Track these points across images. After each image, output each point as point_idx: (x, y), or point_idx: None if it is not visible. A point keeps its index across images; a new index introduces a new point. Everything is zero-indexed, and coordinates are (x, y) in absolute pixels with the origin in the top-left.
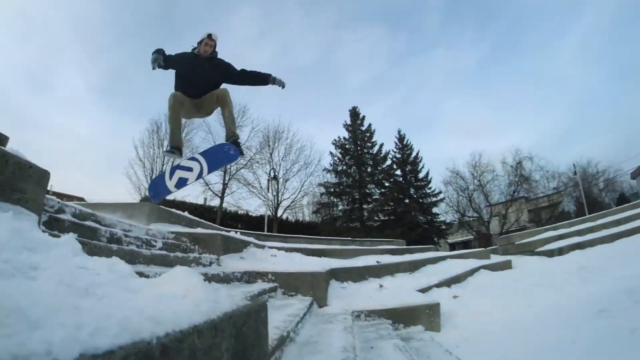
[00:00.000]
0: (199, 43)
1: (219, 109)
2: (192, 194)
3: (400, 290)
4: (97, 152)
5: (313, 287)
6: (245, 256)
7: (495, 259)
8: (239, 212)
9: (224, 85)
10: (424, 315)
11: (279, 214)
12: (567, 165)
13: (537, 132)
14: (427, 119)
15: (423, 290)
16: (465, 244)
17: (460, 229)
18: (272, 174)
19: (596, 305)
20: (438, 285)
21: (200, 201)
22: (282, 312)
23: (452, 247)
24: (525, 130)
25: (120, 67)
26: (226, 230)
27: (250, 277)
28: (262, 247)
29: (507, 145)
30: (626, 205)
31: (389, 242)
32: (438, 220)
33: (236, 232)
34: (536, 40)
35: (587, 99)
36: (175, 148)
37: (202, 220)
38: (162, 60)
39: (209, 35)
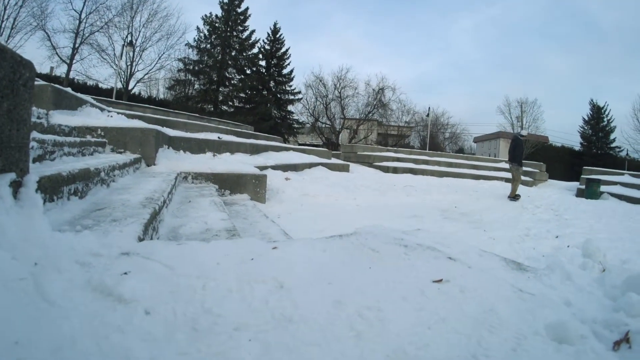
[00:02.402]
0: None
1: None
2: (36, 59)
3: (234, 162)
4: None
5: (142, 145)
6: (79, 114)
7: (335, 160)
8: (88, 84)
9: None
10: (251, 185)
11: (130, 87)
12: (424, 108)
13: (408, 72)
14: (309, 23)
15: (258, 168)
16: (314, 147)
17: (312, 132)
18: (128, 39)
19: (412, 212)
20: (274, 168)
21: (45, 70)
22: (101, 160)
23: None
24: (397, 65)
25: None
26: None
27: (79, 132)
28: (102, 109)
29: (375, 72)
30: (462, 154)
31: (237, 125)
32: (292, 118)
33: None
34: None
35: (462, 67)
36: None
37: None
38: None
39: None
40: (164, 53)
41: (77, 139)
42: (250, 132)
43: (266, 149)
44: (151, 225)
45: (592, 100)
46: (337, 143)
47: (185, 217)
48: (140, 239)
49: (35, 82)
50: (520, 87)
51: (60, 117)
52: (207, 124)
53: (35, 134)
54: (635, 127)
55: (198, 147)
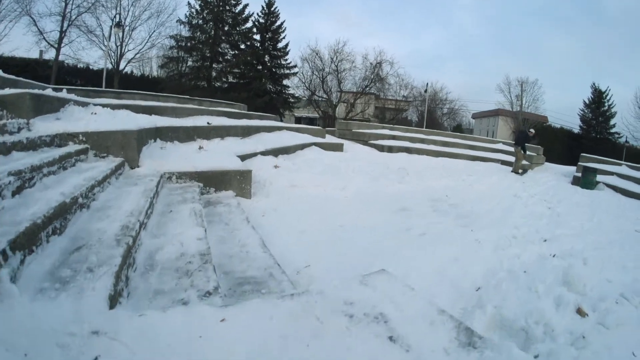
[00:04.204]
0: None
1: None
2: (23, 46)
3: (220, 154)
4: None
5: (124, 148)
6: (62, 116)
7: (329, 139)
8: (79, 66)
9: None
10: (235, 181)
11: (121, 67)
12: (422, 83)
13: (407, 47)
14: None
15: (246, 157)
16: (311, 120)
17: (308, 105)
18: (116, 20)
19: (401, 204)
20: (264, 153)
21: (35, 54)
22: (81, 176)
23: (298, 120)
24: (395, 39)
25: None
26: (42, 88)
27: (61, 139)
28: (86, 104)
29: (373, 45)
30: (459, 134)
31: (229, 104)
32: (287, 92)
33: (65, 89)
34: None
35: (460, 41)
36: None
37: (20, 79)
38: None
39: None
40: (154, 31)
41: (57, 155)
42: (242, 112)
43: (258, 130)
44: (124, 268)
45: (594, 83)
46: (334, 116)
47: (163, 235)
48: (112, 297)
49: (13, 91)
50: (520, 65)
51: (41, 125)
52: (197, 106)
53: (11, 166)
54: (636, 114)
55: (187, 135)
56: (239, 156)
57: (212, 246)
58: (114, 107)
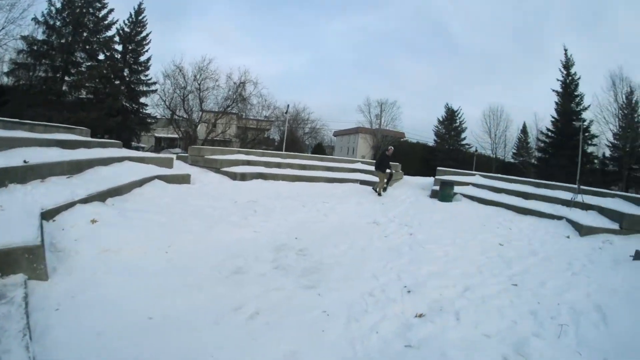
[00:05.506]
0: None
1: None
2: None
3: (17, 216)
4: None
5: None
6: None
7: (178, 168)
8: None
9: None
10: (25, 261)
11: None
12: (285, 103)
13: (275, 67)
14: (185, 9)
15: (61, 209)
16: (172, 140)
17: (169, 125)
18: None
19: (236, 261)
20: (87, 200)
21: None
22: None
23: (159, 140)
24: (265, 58)
25: None
26: None
27: None
28: None
29: (241, 64)
30: (316, 155)
31: (69, 129)
32: (145, 111)
33: None
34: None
35: (328, 64)
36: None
37: None
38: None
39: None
40: (2, 28)
41: None
42: (82, 139)
43: (91, 164)
44: None
45: (447, 104)
46: (195, 136)
47: None
48: None
49: None
50: (381, 88)
51: None
52: (26, 134)
53: None
54: (484, 129)
55: None
56: (48, 210)
57: None
58: None
